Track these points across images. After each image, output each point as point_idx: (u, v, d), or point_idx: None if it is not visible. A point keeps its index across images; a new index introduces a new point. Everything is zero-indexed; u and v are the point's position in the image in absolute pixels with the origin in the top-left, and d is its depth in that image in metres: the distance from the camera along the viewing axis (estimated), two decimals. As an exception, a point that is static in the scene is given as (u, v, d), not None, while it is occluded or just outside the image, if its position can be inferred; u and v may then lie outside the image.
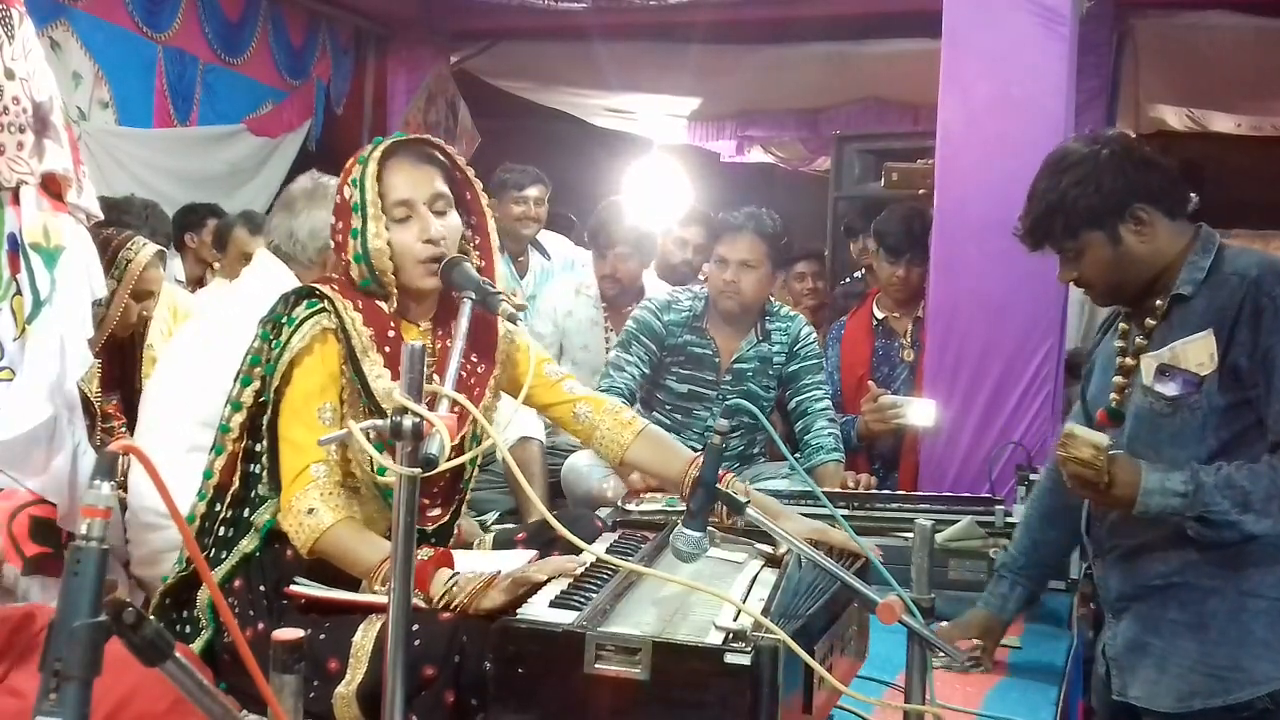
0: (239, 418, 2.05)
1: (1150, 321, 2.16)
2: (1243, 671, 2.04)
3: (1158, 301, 2.15)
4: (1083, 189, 2.11)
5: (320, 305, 2.02)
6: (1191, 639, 2.08)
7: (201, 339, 2.73)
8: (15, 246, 2.23)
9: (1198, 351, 2.06)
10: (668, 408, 3.60)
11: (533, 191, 4.68)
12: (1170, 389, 2.08)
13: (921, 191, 4.42)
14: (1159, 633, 2.12)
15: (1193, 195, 2.20)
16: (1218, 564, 2.06)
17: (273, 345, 2.02)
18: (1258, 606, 2.04)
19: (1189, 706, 2.07)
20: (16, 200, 2.22)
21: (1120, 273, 2.16)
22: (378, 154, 2.05)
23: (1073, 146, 2.19)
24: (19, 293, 2.23)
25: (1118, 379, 2.21)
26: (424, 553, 1.95)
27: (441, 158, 2.13)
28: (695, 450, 3.50)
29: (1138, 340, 2.18)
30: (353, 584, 1.99)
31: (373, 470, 2.01)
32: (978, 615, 2.43)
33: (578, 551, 1.98)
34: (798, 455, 3.49)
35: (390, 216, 2.04)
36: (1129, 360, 2.19)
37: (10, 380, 2.21)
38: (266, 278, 2.75)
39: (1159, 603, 2.13)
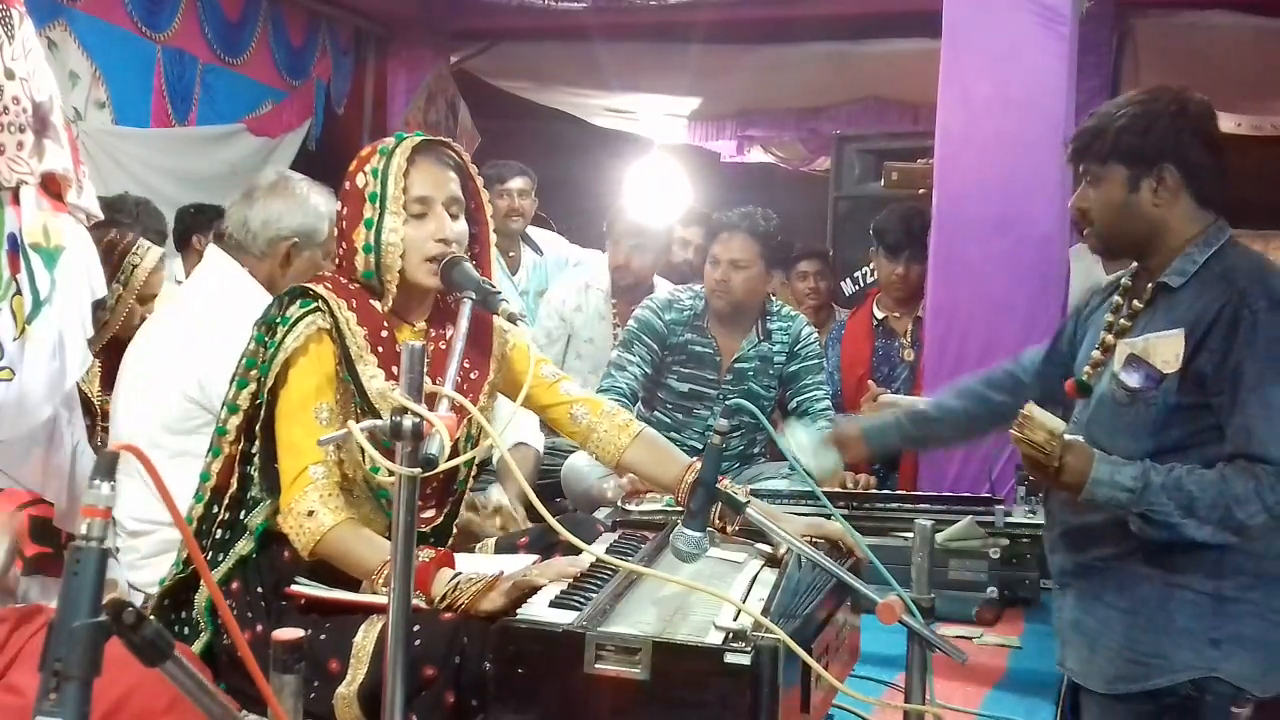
0: (235, 420, 2.04)
1: (1137, 304, 2.17)
2: (1164, 659, 2.06)
3: (1149, 285, 2.15)
4: (1132, 124, 2.10)
5: (314, 305, 2.01)
6: (1121, 623, 2.11)
7: (155, 344, 2.73)
8: (15, 246, 2.22)
9: (1166, 348, 2.05)
10: (669, 407, 3.60)
11: (515, 184, 4.67)
12: (1133, 380, 2.09)
13: (921, 191, 4.42)
14: (1094, 613, 2.15)
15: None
16: (1153, 553, 2.08)
17: (267, 346, 2.01)
18: (1185, 597, 2.06)
19: (1115, 689, 2.10)
20: (16, 200, 2.21)
21: (1120, 222, 2.15)
22: (406, 149, 2.05)
23: (1165, 89, 2.17)
24: (19, 293, 2.23)
25: (1095, 353, 2.21)
26: (425, 554, 1.95)
27: (459, 163, 2.13)
28: (697, 450, 3.53)
29: (1122, 321, 2.18)
30: (353, 584, 1.99)
31: (369, 470, 2.01)
32: (850, 427, 2.59)
33: (579, 554, 1.99)
34: None
35: (408, 212, 2.03)
36: (1110, 338, 2.19)
37: (10, 380, 2.21)
38: (217, 275, 2.77)
39: (1097, 583, 2.15)
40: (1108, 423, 2.13)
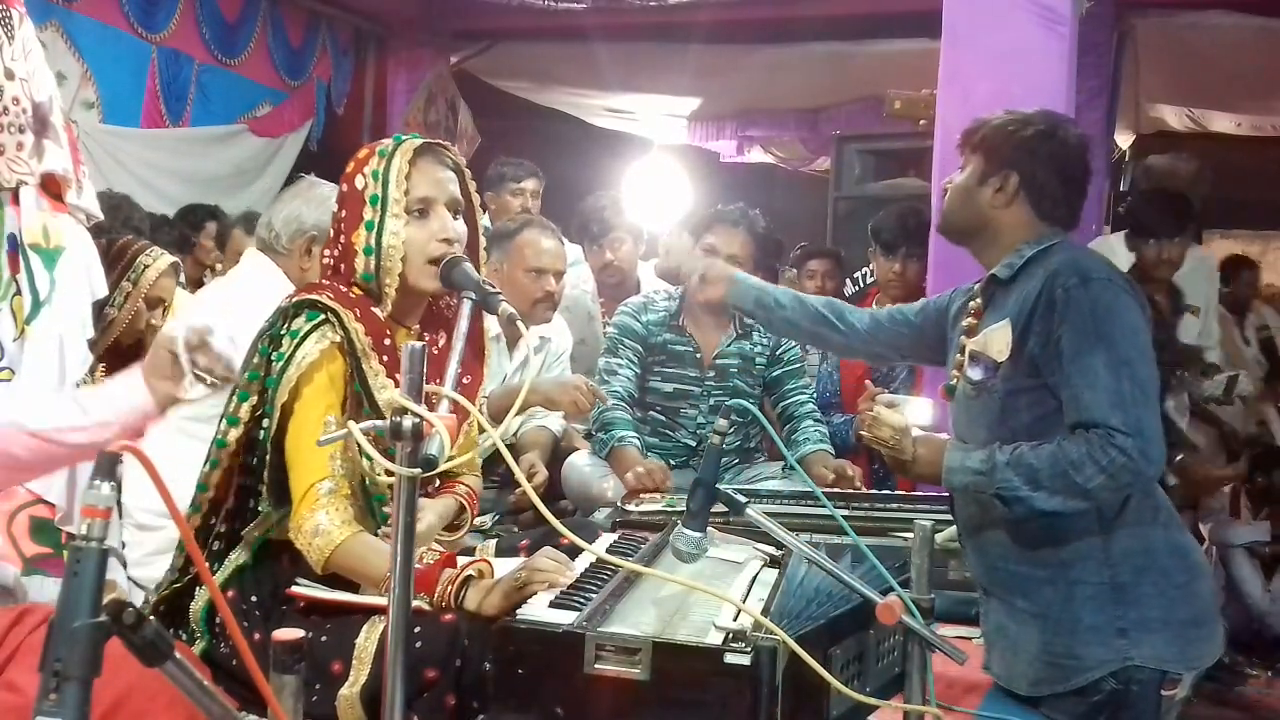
0: (235, 433, 2.00)
1: (978, 303, 2.27)
2: (1077, 659, 2.11)
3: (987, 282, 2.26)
4: (1001, 125, 2.24)
5: (321, 316, 1.97)
6: (1035, 628, 2.16)
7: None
8: (15, 247, 2.23)
9: (997, 339, 2.16)
10: (658, 408, 3.60)
11: (530, 184, 4.70)
12: (975, 373, 2.20)
13: (922, 122, 4.39)
14: (1013, 618, 2.20)
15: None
16: (1046, 555, 2.14)
17: (273, 360, 1.97)
18: (1084, 593, 2.12)
19: (1039, 691, 2.16)
20: (16, 201, 2.22)
21: (959, 207, 2.28)
22: (408, 151, 2.03)
23: (1053, 115, 2.30)
24: (19, 293, 2.23)
25: (957, 357, 2.30)
26: (429, 556, 1.94)
27: (457, 164, 2.12)
28: (690, 448, 3.54)
29: (971, 321, 2.28)
30: (353, 585, 1.99)
31: (368, 474, 2.00)
32: (724, 268, 2.74)
33: (576, 553, 1.99)
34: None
35: (409, 214, 2.02)
36: (963, 339, 2.28)
37: (10, 380, 2.21)
38: (255, 274, 2.89)
39: (1010, 590, 2.20)
40: (964, 418, 2.26)
